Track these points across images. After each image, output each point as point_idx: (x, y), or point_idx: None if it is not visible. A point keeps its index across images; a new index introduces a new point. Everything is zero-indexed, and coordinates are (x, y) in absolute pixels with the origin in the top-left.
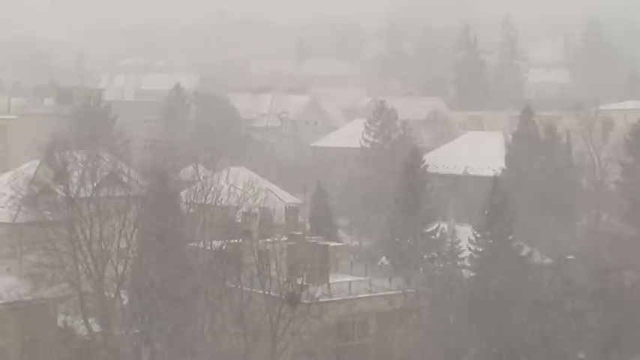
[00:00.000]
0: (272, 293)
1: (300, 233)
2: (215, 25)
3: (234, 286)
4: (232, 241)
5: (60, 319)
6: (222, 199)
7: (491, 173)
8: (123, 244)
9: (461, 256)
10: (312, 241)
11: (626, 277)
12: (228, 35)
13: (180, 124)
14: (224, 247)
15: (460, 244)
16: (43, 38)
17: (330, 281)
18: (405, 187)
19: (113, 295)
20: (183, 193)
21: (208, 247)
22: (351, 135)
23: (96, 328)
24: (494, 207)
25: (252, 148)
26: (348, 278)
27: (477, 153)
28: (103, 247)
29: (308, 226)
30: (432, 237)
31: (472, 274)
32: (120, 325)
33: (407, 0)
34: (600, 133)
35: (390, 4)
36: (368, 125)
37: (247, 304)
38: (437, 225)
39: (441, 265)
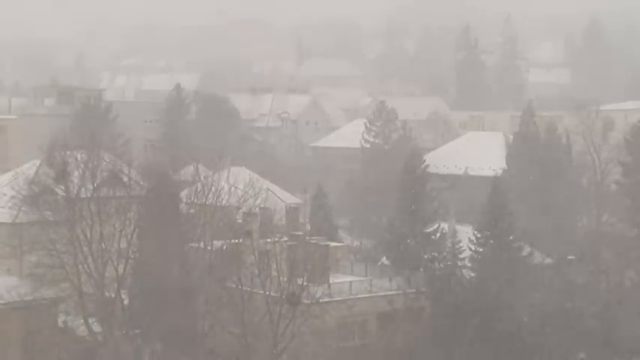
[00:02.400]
0: (272, 293)
1: (300, 233)
2: (215, 25)
3: (234, 286)
4: (233, 241)
5: (60, 320)
6: (222, 199)
7: (491, 173)
8: (123, 244)
9: (461, 256)
10: (312, 241)
11: (626, 277)
12: (229, 35)
13: (181, 124)
14: (224, 247)
15: (461, 244)
16: (43, 38)
17: (331, 281)
18: (406, 187)
19: (113, 295)
20: (183, 194)
21: (209, 247)
22: (351, 135)
23: (96, 328)
24: (495, 207)
25: (252, 148)
26: (349, 278)
27: (478, 153)
28: (104, 247)
29: (308, 226)
30: (433, 237)
31: (472, 274)
32: (120, 326)
33: (407, 0)
34: (600, 133)
35: (390, 4)
36: (368, 125)
37: (247, 304)
38: (437, 225)
39: (442, 265)
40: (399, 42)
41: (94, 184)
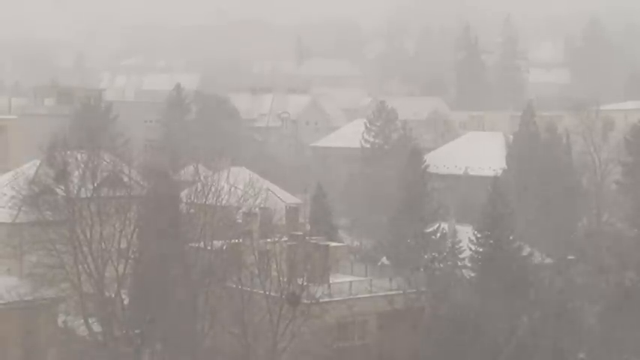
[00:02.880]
0: (272, 293)
1: (300, 233)
2: (215, 25)
3: (234, 286)
4: (233, 241)
5: (60, 320)
6: (222, 199)
7: (491, 173)
8: (123, 244)
9: (461, 256)
10: (312, 241)
11: (626, 277)
12: (229, 35)
13: (181, 124)
14: (224, 247)
15: (461, 244)
16: (43, 38)
17: (331, 281)
18: (406, 187)
19: (113, 295)
20: (183, 194)
21: (209, 247)
22: (351, 135)
23: (96, 328)
24: (495, 207)
25: (252, 148)
26: (349, 278)
27: (478, 153)
28: (104, 247)
29: (308, 226)
30: (433, 237)
31: (472, 274)
32: (120, 325)
33: (407, 0)
34: (600, 133)
35: (390, 4)
36: (368, 125)
37: (247, 304)
38: (437, 225)
39: (442, 265)
40: (399, 42)
41: (94, 184)
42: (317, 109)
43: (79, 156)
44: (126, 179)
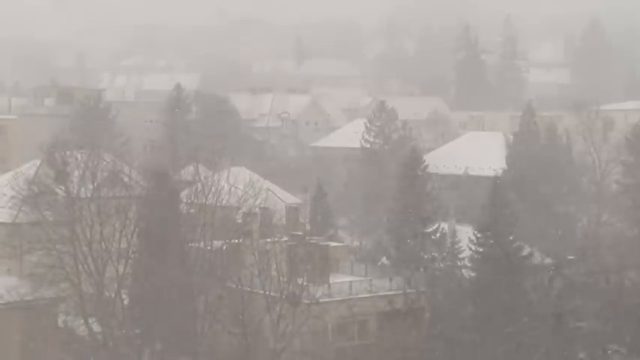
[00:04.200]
0: (272, 293)
1: (300, 233)
2: (215, 25)
3: (234, 286)
4: (233, 241)
5: (60, 320)
6: (222, 199)
7: (491, 173)
8: (123, 244)
9: (461, 256)
10: (312, 241)
11: (626, 277)
12: (229, 35)
13: (181, 124)
14: (224, 247)
15: (460, 244)
16: (43, 38)
17: (331, 281)
18: (406, 187)
19: (113, 295)
20: (183, 194)
21: (209, 247)
22: (351, 135)
23: (96, 328)
24: (495, 207)
25: (252, 148)
26: (349, 278)
27: (478, 153)
28: (104, 247)
29: (308, 226)
30: (433, 237)
31: (472, 274)
32: (120, 325)
33: (407, 0)
34: (601, 133)
35: (390, 4)
36: (368, 125)
37: (247, 304)
38: (437, 225)
39: (442, 265)
40: (399, 42)
41: (94, 184)
42: (317, 109)
43: (79, 156)
44: (126, 179)
